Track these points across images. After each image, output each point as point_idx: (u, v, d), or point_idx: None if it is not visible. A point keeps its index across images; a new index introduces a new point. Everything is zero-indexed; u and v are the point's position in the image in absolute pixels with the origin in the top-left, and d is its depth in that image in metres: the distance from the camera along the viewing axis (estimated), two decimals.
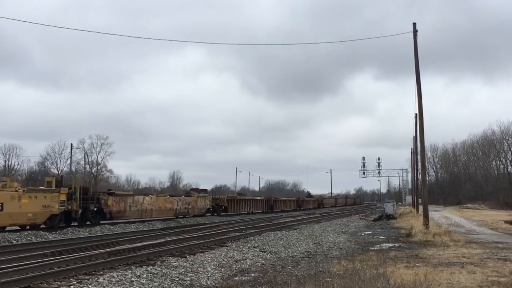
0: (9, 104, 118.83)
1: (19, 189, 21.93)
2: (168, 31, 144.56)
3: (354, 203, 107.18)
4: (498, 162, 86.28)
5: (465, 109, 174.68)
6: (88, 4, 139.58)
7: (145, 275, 10.89)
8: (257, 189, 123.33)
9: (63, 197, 23.76)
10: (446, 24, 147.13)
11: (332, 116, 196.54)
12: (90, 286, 9.65)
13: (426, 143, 30.09)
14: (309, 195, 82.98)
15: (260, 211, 51.45)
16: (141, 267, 12.07)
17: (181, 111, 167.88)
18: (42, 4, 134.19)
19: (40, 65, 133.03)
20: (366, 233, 25.67)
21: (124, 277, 10.51)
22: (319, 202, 77.07)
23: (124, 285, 9.83)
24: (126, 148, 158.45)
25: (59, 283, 9.98)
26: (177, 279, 10.79)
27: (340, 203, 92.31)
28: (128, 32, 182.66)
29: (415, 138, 47.00)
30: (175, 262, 13.08)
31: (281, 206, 58.20)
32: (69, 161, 79.83)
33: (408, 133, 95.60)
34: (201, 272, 11.74)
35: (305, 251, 16.57)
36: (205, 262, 13.33)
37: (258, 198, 55.96)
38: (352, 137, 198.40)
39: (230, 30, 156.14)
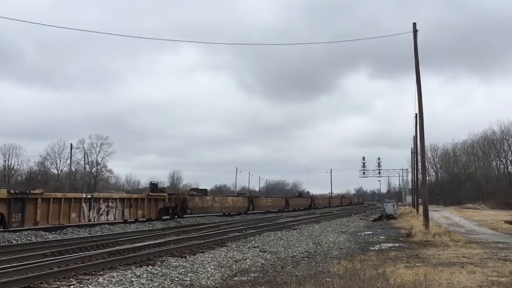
0: (4, 104, 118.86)
1: None
2: (162, 30, 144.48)
3: (351, 203, 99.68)
4: (498, 162, 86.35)
5: (464, 108, 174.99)
6: (78, 2, 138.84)
7: (145, 275, 10.89)
8: (257, 189, 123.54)
9: None
10: (441, 22, 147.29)
11: (329, 115, 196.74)
12: (90, 286, 9.65)
13: (426, 143, 30.10)
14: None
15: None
16: (141, 267, 12.07)
17: (177, 111, 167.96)
18: (32, 2, 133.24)
19: (33, 64, 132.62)
20: (366, 233, 25.66)
21: (124, 277, 10.51)
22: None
23: (124, 285, 9.83)
24: (124, 148, 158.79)
25: (59, 283, 9.97)
26: (177, 279, 10.78)
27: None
28: (120, 30, 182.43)
29: (415, 138, 47.08)
30: (175, 262, 13.08)
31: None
32: (68, 161, 79.88)
33: (407, 132, 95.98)
34: (201, 272, 11.74)
35: (305, 251, 16.56)
36: (205, 262, 13.33)
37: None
38: (351, 137, 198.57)
39: (224, 29, 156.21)
